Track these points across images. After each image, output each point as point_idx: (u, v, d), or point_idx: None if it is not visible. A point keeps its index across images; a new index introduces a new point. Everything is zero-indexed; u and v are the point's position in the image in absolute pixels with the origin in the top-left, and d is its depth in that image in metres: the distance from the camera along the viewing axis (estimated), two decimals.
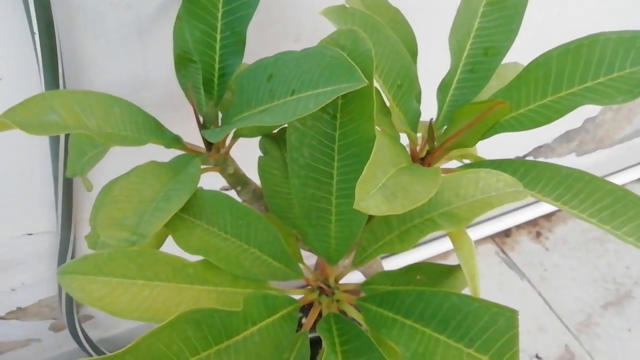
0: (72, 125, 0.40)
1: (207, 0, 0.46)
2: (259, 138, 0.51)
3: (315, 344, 0.44)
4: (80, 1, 0.52)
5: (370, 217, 0.42)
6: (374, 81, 0.38)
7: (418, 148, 0.50)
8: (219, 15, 0.46)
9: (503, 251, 1.22)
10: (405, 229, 0.42)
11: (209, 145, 0.48)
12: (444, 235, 1.15)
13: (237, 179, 0.52)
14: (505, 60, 0.48)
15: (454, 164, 0.51)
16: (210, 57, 0.47)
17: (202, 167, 0.47)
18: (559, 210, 1.27)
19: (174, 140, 0.47)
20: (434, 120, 0.48)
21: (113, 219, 0.38)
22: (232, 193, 0.50)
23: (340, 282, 0.49)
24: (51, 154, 0.61)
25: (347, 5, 0.45)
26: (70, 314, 0.82)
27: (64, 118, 0.39)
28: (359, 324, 0.43)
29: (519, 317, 0.33)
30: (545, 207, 1.26)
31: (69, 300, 0.79)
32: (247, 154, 0.52)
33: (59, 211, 0.67)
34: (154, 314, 0.38)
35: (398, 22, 0.51)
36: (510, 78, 0.46)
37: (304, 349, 0.41)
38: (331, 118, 0.39)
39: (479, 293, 0.38)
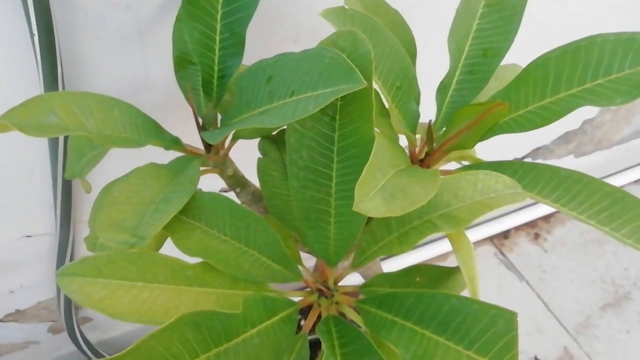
0: (72, 127, 0.40)
1: (206, 2, 0.46)
2: (258, 140, 0.52)
3: (314, 345, 0.44)
4: (79, 2, 0.52)
5: (370, 218, 0.42)
6: (373, 83, 0.38)
7: (417, 149, 0.50)
8: (218, 16, 0.46)
9: (502, 253, 1.22)
10: (405, 230, 0.42)
11: (208, 146, 0.48)
12: (443, 237, 1.15)
13: (236, 181, 0.52)
14: (504, 61, 0.48)
15: (452, 165, 0.51)
16: (210, 59, 0.47)
17: (201, 168, 0.47)
18: (557, 212, 1.28)
19: (174, 142, 0.47)
20: (432, 121, 0.48)
21: (112, 221, 0.38)
22: (231, 195, 0.50)
23: (340, 284, 0.49)
24: (50, 156, 0.61)
25: (347, 7, 0.45)
26: (69, 316, 0.81)
27: (63, 120, 0.39)
28: (358, 326, 0.43)
29: (518, 319, 0.33)
30: (544, 209, 1.26)
31: (68, 302, 0.79)
32: (246, 156, 0.52)
33: (58, 213, 0.67)
34: (153, 316, 0.38)
35: (397, 24, 0.51)
36: (509, 79, 0.46)
37: (304, 351, 0.41)
38: (330, 119, 0.39)
39: (479, 295, 0.38)
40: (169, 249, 0.42)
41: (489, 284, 1.17)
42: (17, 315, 0.84)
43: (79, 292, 0.37)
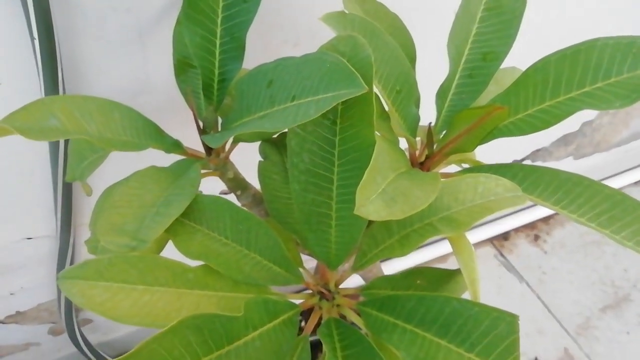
0: (72, 131, 0.40)
1: (206, 6, 0.46)
2: (258, 143, 0.52)
3: (315, 347, 0.44)
4: (80, 5, 0.53)
5: (371, 221, 0.42)
6: (374, 87, 0.38)
7: (417, 153, 0.50)
8: (219, 20, 0.46)
9: (502, 254, 1.22)
10: (405, 233, 0.42)
11: (208, 150, 0.49)
12: (443, 239, 1.16)
13: (237, 184, 0.52)
14: (503, 64, 0.48)
15: (453, 168, 0.51)
16: (210, 63, 0.47)
17: (202, 171, 0.47)
18: (557, 214, 1.28)
19: (174, 145, 0.47)
20: (432, 125, 0.48)
21: (113, 224, 0.38)
22: (232, 197, 0.50)
23: (340, 286, 0.49)
24: (51, 158, 0.61)
25: (346, 11, 0.45)
26: (69, 317, 0.81)
27: (64, 123, 0.39)
28: (359, 328, 0.43)
29: (519, 321, 0.33)
30: (544, 210, 1.26)
31: (68, 304, 0.79)
32: (246, 159, 0.52)
33: (59, 215, 0.67)
34: (154, 319, 0.38)
35: (397, 28, 0.51)
36: (508, 83, 0.46)
37: (305, 354, 0.41)
38: (331, 123, 0.39)
39: (479, 297, 0.39)
40: (170, 251, 0.42)
41: (489, 285, 1.17)
42: (17, 317, 0.84)
43: (80, 295, 0.37)
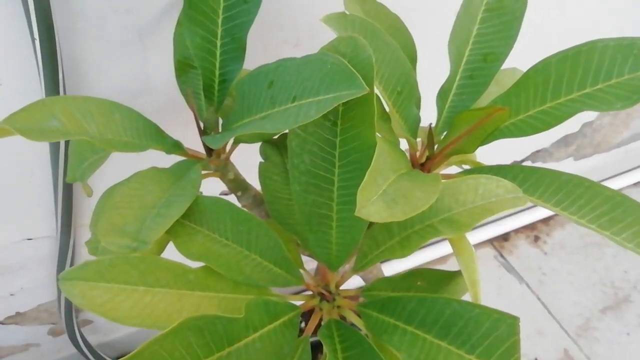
0: (73, 132, 0.40)
1: (207, 7, 0.46)
2: (259, 143, 0.52)
3: (315, 348, 0.44)
4: (80, 6, 0.53)
5: (371, 223, 0.42)
6: (374, 88, 0.38)
7: (418, 154, 0.50)
8: (219, 21, 0.46)
9: (502, 255, 1.22)
10: (406, 235, 0.42)
11: (209, 150, 0.49)
12: (443, 239, 1.15)
13: (238, 185, 0.52)
14: (504, 65, 0.48)
15: (453, 169, 0.51)
16: (211, 63, 0.47)
17: (203, 172, 0.47)
18: (557, 215, 1.28)
19: (175, 146, 0.47)
20: (433, 126, 0.48)
21: (114, 225, 0.38)
22: (232, 197, 0.50)
23: (341, 287, 0.49)
24: (51, 159, 0.61)
25: (347, 12, 0.45)
26: (69, 318, 0.81)
27: (64, 124, 0.39)
28: (359, 329, 0.43)
29: (520, 323, 0.33)
30: (544, 211, 1.26)
31: (68, 304, 0.79)
32: (247, 159, 0.52)
33: (59, 216, 0.67)
34: (155, 320, 0.38)
35: (397, 29, 0.51)
36: (509, 84, 0.46)
37: (305, 355, 0.41)
38: (332, 125, 0.39)
39: (480, 299, 0.39)
40: (171, 253, 0.42)
41: (488, 286, 1.17)
42: (17, 318, 0.84)
43: (81, 296, 0.37)
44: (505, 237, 1.25)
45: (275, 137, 0.51)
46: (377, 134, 0.38)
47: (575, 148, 1.17)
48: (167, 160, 0.48)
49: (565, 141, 1.14)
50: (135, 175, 0.43)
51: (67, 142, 0.59)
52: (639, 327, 1.10)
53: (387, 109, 0.46)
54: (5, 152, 0.61)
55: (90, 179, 0.52)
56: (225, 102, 0.48)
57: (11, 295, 0.80)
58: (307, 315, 0.48)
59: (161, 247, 0.45)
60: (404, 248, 0.41)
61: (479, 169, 0.48)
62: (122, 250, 0.37)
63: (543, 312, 1.12)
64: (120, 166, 0.52)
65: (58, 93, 0.54)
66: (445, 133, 0.48)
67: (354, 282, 0.60)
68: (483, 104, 0.49)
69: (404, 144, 0.47)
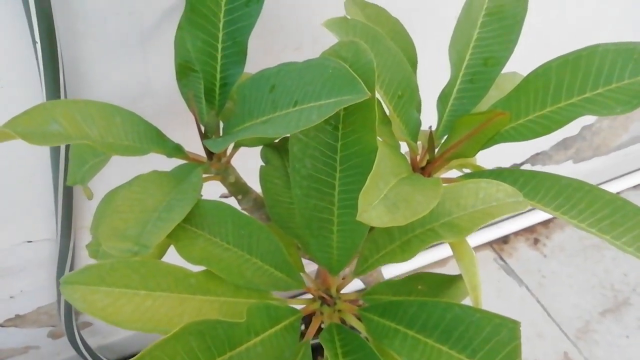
0: (74, 135, 0.40)
1: (208, 11, 0.46)
2: (260, 147, 0.52)
3: (315, 351, 0.44)
4: (82, 9, 0.53)
5: (372, 227, 0.42)
6: (376, 92, 0.38)
7: (418, 157, 0.50)
8: (221, 25, 0.46)
9: (501, 258, 1.22)
10: (407, 239, 0.42)
11: (210, 154, 0.49)
12: (442, 242, 1.15)
13: (238, 188, 0.52)
14: (504, 70, 0.48)
15: (453, 173, 0.51)
16: (212, 67, 0.47)
17: (204, 176, 0.47)
18: (556, 217, 1.28)
19: (176, 150, 0.47)
20: (434, 130, 0.49)
21: (115, 229, 0.38)
22: (232, 200, 0.50)
23: (341, 291, 0.49)
24: (51, 162, 0.61)
25: (348, 17, 0.45)
26: (69, 321, 0.81)
27: (65, 128, 0.39)
28: (358, 332, 0.43)
29: (520, 327, 0.33)
30: (543, 214, 1.26)
31: (68, 307, 0.79)
32: (247, 163, 0.52)
33: (59, 219, 0.67)
34: (156, 325, 0.38)
35: (398, 32, 0.51)
36: (509, 88, 0.46)
37: (306, 359, 0.41)
38: (333, 129, 0.39)
39: (481, 304, 0.39)
40: (172, 256, 0.42)
41: (488, 289, 1.17)
42: (17, 320, 0.84)
43: (82, 300, 0.37)
44: (504, 239, 1.26)
45: (276, 140, 0.51)
46: (378, 138, 0.38)
47: (574, 151, 1.17)
48: (167, 162, 0.48)
49: (564, 144, 1.14)
50: (136, 179, 0.43)
51: (67, 145, 0.59)
52: (639, 330, 1.10)
53: (388, 113, 0.47)
54: (6, 154, 0.61)
55: (90, 182, 0.52)
56: (226, 105, 0.48)
57: (11, 297, 0.80)
58: (307, 318, 0.48)
59: (162, 251, 0.45)
60: (405, 252, 0.41)
61: (480, 173, 0.48)
62: (124, 254, 0.37)
63: (543, 315, 1.12)
64: (120, 169, 0.52)
65: (59, 96, 0.54)
66: (445, 137, 0.48)
67: (354, 284, 0.60)
68: (483, 108, 0.49)
69: (404, 147, 0.47)
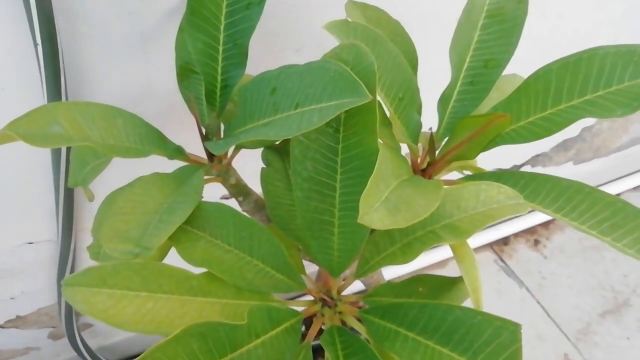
0: (76, 138, 0.40)
1: (209, 13, 0.46)
2: (260, 149, 0.52)
3: (315, 352, 0.44)
4: (83, 11, 0.53)
5: (373, 229, 0.43)
6: (377, 95, 0.38)
7: (419, 159, 0.50)
8: (222, 27, 0.46)
9: (501, 259, 1.22)
10: (408, 241, 0.42)
11: (211, 156, 0.49)
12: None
13: (239, 190, 0.52)
14: (504, 72, 0.49)
15: (454, 175, 0.51)
16: (213, 69, 0.47)
17: (205, 178, 0.47)
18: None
19: (177, 152, 0.47)
20: (434, 132, 0.49)
21: (117, 231, 0.38)
22: (232, 201, 0.50)
23: (342, 293, 0.49)
24: (52, 163, 0.62)
25: (349, 19, 0.45)
26: (69, 322, 0.81)
27: (67, 130, 0.39)
28: (359, 334, 0.43)
29: (521, 330, 0.33)
30: (543, 215, 1.25)
31: (69, 308, 0.79)
32: (248, 164, 0.52)
33: (60, 220, 0.67)
34: (157, 326, 0.38)
35: (398, 34, 0.51)
36: (509, 90, 0.46)
37: None
38: (334, 131, 0.39)
39: (482, 306, 0.39)
40: (173, 258, 0.42)
41: (488, 290, 1.17)
42: (17, 322, 0.84)
43: (83, 302, 0.37)
44: (505, 241, 1.26)
45: (277, 142, 0.51)
46: (379, 140, 0.38)
47: (574, 152, 1.17)
48: (168, 164, 0.48)
49: (564, 145, 1.14)
50: (137, 181, 0.43)
51: (68, 147, 0.59)
52: (639, 331, 1.10)
53: (388, 115, 0.47)
54: (7, 155, 0.61)
55: (91, 183, 0.52)
56: (227, 107, 0.48)
57: (12, 298, 0.80)
58: (308, 320, 0.48)
59: (163, 253, 0.45)
60: (406, 254, 0.41)
61: (480, 175, 0.48)
62: (125, 256, 0.37)
63: (543, 316, 1.12)
64: (121, 170, 0.52)
65: (60, 98, 0.54)
66: (446, 139, 0.48)
67: (355, 285, 0.60)
68: (484, 110, 0.49)
69: (404, 149, 0.47)
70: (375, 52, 0.43)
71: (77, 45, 0.55)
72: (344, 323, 0.47)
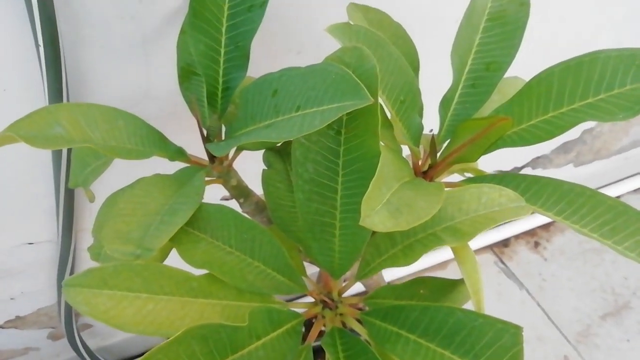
0: (77, 139, 0.40)
1: (211, 15, 0.46)
2: (262, 150, 0.52)
3: (316, 353, 0.44)
4: (85, 13, 0.53)
5: (374, 231, 0.43)
6: (378, 97, 0.38)
7: (420, 162, 0.50)
8: (223, 29, 0.46)
9: (502, 261, 1.22)
10: (409, 243, 0.42)
11: (212, 157, 0.49)
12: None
13: (240, 191, 0.52)
14: (506, 74, 0.49)
15: (455, 177, 0.51)
16: (214, 71, 0.47)
17: (206, 179, 0.47)
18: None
19: (178, 153, 0.47)
20: (436, 134, 0.49)
21: (118, 232, 0.38)
22: (233, 203, 0.50)
23: (343, 295, 0.49)
24: (53, 164, 0.62)
25: (351, 22, 0.45)
26: (69, 322, 0.81)
27: (68, 131, 0.39)
28: (358, 334, 0.43)
29: (523, 333, 0.33)
30: (544, 217, 1.25)
31: (68, 309, 0.79)
32: (249, 166, 0.52)
33: (60, 220, 0.67)
34: (158, 328, 0.38)
35: (400, 37, 0.51)
36: (510, 92, 0.46)
37: None
38: (336, 134, 0.39)
39: (484, 308, 0.39)
40: (174, 260, 0.42)
41: (488, 292, 1.17)
42: (17, 322, 0.84)
43: (84, 303, 0.37)
44: (505, 242, 1.26)
45: (278, 144, 0.51)
46: (380, 142, 0.39)
47: (575, 154, 1.17)
48: (169, 165, 0.48)
49: (565, 148, 1.14)
50: (139, 182, 0.43)
51: (69, 148, 0.59)
52: (639, 334, 1.10)
53: (390, 117, 0.47)
54: (7, 156, 0.61)
55: (92, 184, 0.52)
56: (228, 109, 0.48)
57: (11, 299, 0.80)
58: (309, 322, 0.48)
59: (164, 255, 0.45)
60: (407, 256, 0.41)
61: (482, 178, 0.48)
62: (126, 257, 0.37)
63: (543, 318, 1.12)
64: (122, 172, 0.52)
65: (61, 99, 0.54)
66: (447, 141, 0.48)
67: (356, 287, 0.60)
68: (486, 112, 0.49)
69: (405, 151, 0.47)
70: (377, 54, 0.43)
71: (79, 47, 0.55)
72: (344, 325, 0.47)
